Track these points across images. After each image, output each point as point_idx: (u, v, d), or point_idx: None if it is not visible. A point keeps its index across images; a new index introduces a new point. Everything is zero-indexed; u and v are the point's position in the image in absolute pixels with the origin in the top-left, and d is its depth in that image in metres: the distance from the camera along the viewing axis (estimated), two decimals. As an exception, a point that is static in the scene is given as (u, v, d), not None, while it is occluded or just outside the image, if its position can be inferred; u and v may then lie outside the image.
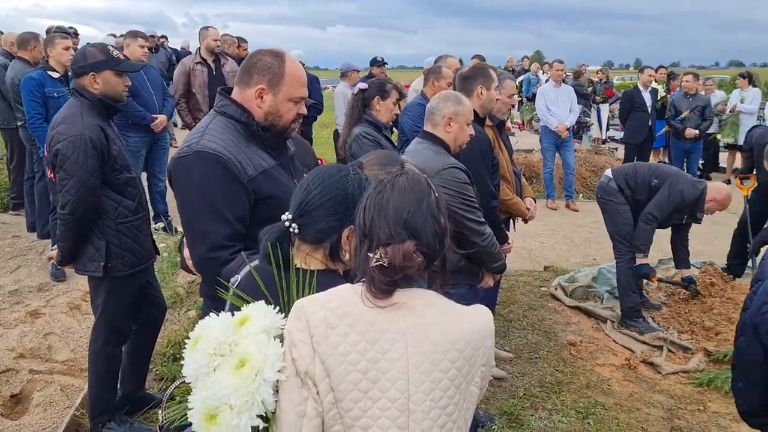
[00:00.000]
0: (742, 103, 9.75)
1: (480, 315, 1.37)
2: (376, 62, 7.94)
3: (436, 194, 1.36)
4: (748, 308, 1.38)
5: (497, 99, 3.44)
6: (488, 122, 3.68)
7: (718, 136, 9.54)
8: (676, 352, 4.44)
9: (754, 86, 10.43)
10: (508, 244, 3.49)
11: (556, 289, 5.43)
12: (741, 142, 8.44)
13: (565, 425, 3.53)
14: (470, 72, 3.39)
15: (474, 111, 3.38)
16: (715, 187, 4.63)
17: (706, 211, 4.55)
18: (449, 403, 1.30)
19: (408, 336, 1.29)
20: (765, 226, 5.67)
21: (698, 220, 4.69)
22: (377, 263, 1.27)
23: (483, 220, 2.76)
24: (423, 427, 1.28)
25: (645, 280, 4.95)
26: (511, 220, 4.04)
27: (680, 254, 5.03)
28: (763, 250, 3.87)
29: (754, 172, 5.86)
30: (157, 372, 3.82)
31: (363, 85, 3.69)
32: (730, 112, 9.80)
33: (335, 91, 7.72)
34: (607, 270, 5.65)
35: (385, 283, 1.28)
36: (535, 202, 4.13)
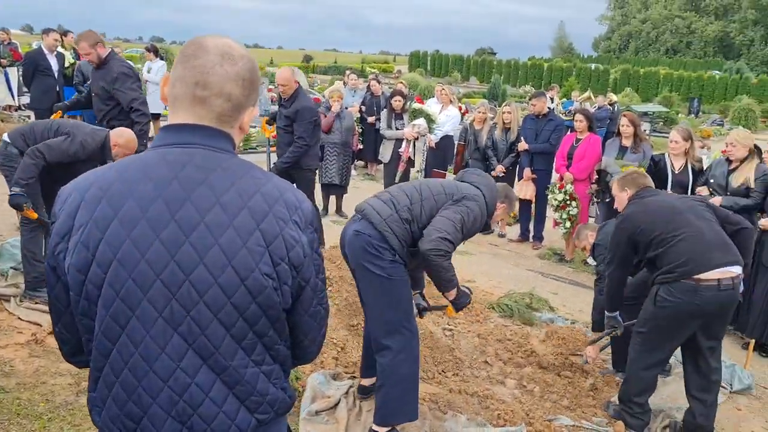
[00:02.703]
0: (149, 73, 10.37)
1: None
2: None
3: None
4: None
5: None
6: None
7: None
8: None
9: (162, 59, 11.36)
10: None
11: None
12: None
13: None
14: None
15: None
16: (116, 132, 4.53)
17: (115, 157, 4.35)
18: None
19: None
20: None
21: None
22: None
23: None
24: None
25: None
26: None
27: None
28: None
29: None
30: None
31: None
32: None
33: None
34: (11, 245, 5.21)
35: None
36: None
